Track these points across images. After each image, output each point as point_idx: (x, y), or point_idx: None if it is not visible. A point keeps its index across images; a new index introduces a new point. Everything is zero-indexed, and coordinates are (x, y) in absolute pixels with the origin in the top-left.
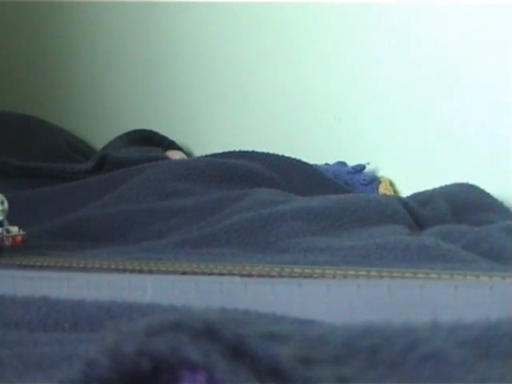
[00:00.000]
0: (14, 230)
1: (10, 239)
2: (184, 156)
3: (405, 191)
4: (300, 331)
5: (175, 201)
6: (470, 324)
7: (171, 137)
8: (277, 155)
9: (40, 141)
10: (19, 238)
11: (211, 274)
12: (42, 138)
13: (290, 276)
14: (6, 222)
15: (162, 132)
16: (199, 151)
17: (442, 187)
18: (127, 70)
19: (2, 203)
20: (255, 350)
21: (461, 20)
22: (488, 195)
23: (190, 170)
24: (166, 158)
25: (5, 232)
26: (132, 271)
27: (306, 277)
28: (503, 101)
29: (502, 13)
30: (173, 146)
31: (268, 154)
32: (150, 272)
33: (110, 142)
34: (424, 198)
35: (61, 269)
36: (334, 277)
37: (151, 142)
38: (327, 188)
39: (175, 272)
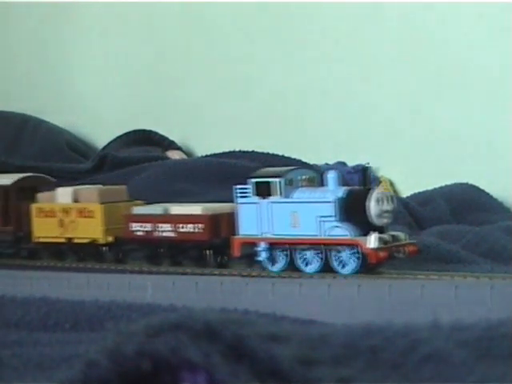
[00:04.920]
0: (402, 236)
1: (405, 249)
2: (184, 156)
3: (405, 191)
4: (300, 331)
5: (175, 201)
6: (471, 324)
7: (171, 137)
8: (277, 155)
9: (40, 141)
10: (414, 249)
11: (211, 274)
12: (41, 138)
13: (291, 276)
14: (389, 228)
15: (162, 132)
16: (199, 151)
17: (441, 187)
18: (127, 70)
19: (391, 200)
20: (255, 350)
21: (461, 20)
22: (488, 195)
23: (190, 170)
24: (166, 157)
25: (392, 239)
26: (132, 271)
27: (306, 277)
28: (503, 102)
29: (502, 13)
30: (173, 145)
31: (268, 153)
32: (150, 272)
33: (110, 142)
34: (424, 198)
35: (61, 269)
36: (335, 277)
37: (151, 142)
38: None
39: (175, 272)
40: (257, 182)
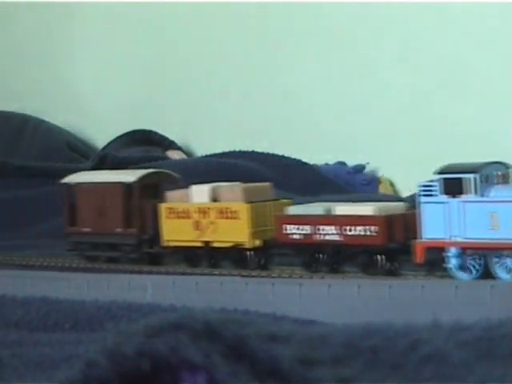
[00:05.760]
0: None
1: None
2: (184, 156)
3: (405, 191)
4: (300, 331)
5: None
6: (471, 324)
7: (171, 137)
8: (277, 155)
9: (40, 141)
10: None
11: (211, 274)
12: (41, 137)
13: (291, 276)
14: None
15: (162, 132)
16: (199, 151)
17: None
18: (127, 70)
19: None
20: (255, 350)
21: (461, 20)
22: None
23: (190, 170)
24: (166, 157)
25: None
26: (132, 271)
27: (306, 277)
28: (503, 102)
29: (501, 13)
30: (173, 146)
31: (268, 153)
32: (150, 272)
33: (110, 142)
34: None
35: (61, 269)
36: (335, 277)
37: (151, 142)
38: (327, 188)
39: (175, 272)
40: (446, 179)
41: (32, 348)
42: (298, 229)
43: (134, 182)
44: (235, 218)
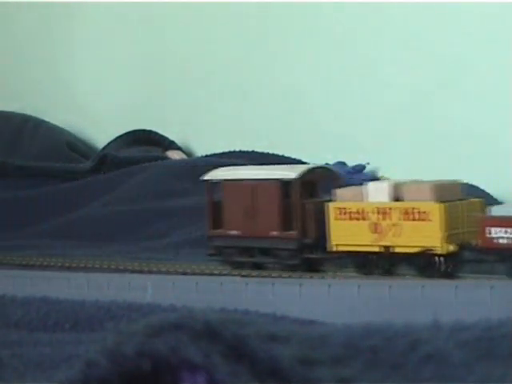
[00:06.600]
0: None
1: None
2: (184, 156)
3: None
4: (300, 331)
5: (175, 201)
6: (471, 324)
7: (171, 137)
8: (277, 155)
9: (40, 141)
10: None
11: (211, 274)
12: (41, 137)
13: (290, 276)
14: None
15: (162, 132)
16: (199, 151)
17: None
18: (127, 70)
19: None
20: (255, 350)
21: (461, 20)
22: (488, 195)
23: (190, 170)
24: (166, 157)
25: None
26: (132, 271)
27: (306, 277)
28: (503, 102)
29: (502, 13)
30: (173, 146)
31: (268, 153)
32: (150, 272)
33: (110, 142)
34: None
35: (61, 269)
36: (335, 277)
37: (151, 142)
38: None
39: (175, 272)
40: None
41: (32, 348)
42: (505, 232)
43: (295, 179)
44: (424, 220)
